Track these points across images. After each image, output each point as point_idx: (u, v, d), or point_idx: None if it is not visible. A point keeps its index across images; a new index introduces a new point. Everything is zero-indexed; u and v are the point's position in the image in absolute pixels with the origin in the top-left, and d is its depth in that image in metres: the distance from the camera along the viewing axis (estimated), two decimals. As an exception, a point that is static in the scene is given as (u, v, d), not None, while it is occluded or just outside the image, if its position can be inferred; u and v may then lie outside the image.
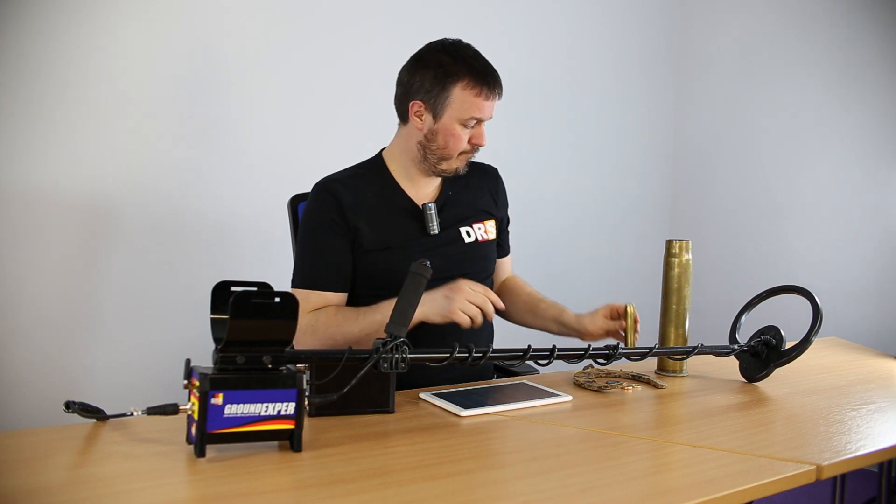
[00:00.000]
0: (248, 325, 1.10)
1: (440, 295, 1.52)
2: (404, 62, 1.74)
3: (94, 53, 2.31)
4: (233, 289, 1.18)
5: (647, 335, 1.74)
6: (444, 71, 1.64)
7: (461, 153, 1.69)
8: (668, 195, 3.77)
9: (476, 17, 3.06)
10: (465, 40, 1.72)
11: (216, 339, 1.17)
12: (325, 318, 1.61)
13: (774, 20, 3.35)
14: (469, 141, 1.68)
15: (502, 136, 3.17)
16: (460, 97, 1.64)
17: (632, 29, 3.58)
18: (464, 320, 1.49)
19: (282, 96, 2.65)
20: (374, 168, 1.77)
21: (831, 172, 3.17)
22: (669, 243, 1.72)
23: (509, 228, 1.94)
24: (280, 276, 2.11)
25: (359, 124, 2.77)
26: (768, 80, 3.37)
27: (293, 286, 1.70)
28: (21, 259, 2.25)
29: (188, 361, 1.14)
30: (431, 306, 1.51)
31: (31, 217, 2.25)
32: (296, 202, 1.96)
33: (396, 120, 1.78)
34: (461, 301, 1.49)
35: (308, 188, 1.95)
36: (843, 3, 3.12)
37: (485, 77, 1.65)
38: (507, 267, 1.96)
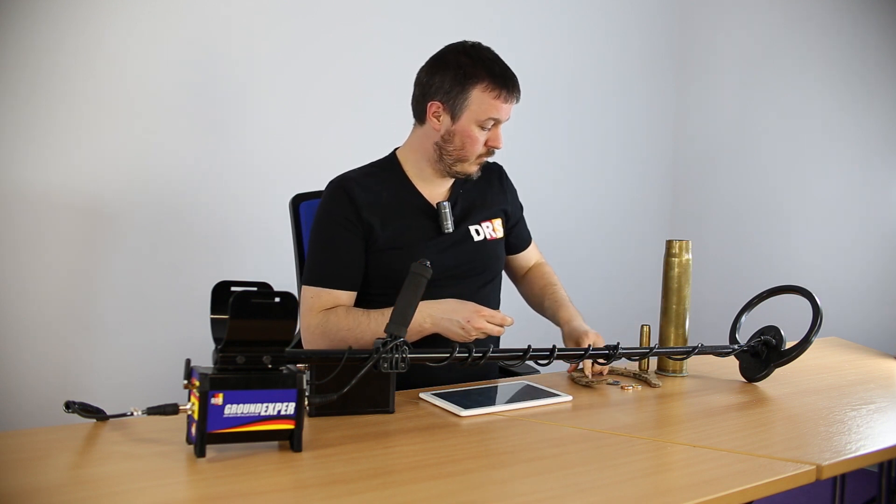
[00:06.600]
0: (248, 325, 1.10)
1: (457, 322, 1.54)
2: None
3: (96, 54, 2.31)
4: (233, 289, 1.18)
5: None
6: (464, 73, 1.63)
7: (478, 156, 1.69)
8: (668, 195, 3.77)
9: (476, 17, 3.06)
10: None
11: (216, 339, 1.17)
12: (335, 320, 1.60)
13: (775, 20, 3.34)
14: (486, 143, 1.68)
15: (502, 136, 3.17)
16: (479, 99, 1.64)
17: (632, 29, 3.58)
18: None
19: (283, 96, 2.65)
20: (388, 167, 1.76)
21: (831, 172, 3.17)
22: (669, 243, 1.73)
23: (525, 216, 1.94)
24: (280, 276, 2.12)
25: (360, 124, 2.78)
26: (768, 80, 3.37)
27: (304, 283, 1.68)
28: (21, 259, 2.25)
29: (188, 361, 1.14)
30: (448, 329, 1.55)
31: (31, 217, 2.25)
32: (297, 202, 1.96)
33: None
34: (476, 333, 1.53)
35: (310, 188, 1.95)
36: (843, 3, 3.11)
37: (504, 79, 1.65)
38: (530, 256, 1.95)
